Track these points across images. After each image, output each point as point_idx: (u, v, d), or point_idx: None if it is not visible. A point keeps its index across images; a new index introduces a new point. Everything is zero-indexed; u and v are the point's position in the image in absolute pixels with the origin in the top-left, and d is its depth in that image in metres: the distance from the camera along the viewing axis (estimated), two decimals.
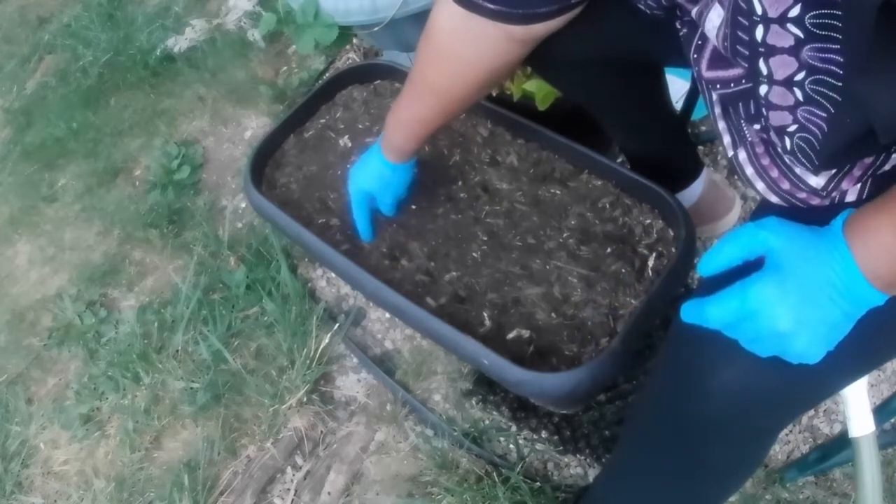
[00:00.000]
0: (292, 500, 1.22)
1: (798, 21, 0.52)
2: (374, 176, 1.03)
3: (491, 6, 0.75)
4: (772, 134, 0.64)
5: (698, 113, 1.33)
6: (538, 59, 0.98)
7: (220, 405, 1.31)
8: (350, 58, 1.81)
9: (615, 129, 1.14)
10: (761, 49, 0.57)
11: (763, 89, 0.60)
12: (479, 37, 0.80)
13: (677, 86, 1.24)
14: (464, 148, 1.21)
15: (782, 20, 0.53)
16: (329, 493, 1.19)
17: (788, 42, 0.54)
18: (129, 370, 1.38)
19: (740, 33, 0.58)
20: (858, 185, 0.62)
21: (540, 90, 1.19)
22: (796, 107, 0.58)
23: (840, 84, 0.53)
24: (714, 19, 0.62)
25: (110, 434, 1.36)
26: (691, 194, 1.21)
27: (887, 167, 0.60)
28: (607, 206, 1.10)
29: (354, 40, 1.82)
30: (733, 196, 1.28)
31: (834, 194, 0.63)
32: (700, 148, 1.43)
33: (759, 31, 0.56)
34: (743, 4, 0.56)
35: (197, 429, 1.31)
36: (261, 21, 1.85)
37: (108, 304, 1.54)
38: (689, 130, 1.42)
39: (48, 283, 1.62)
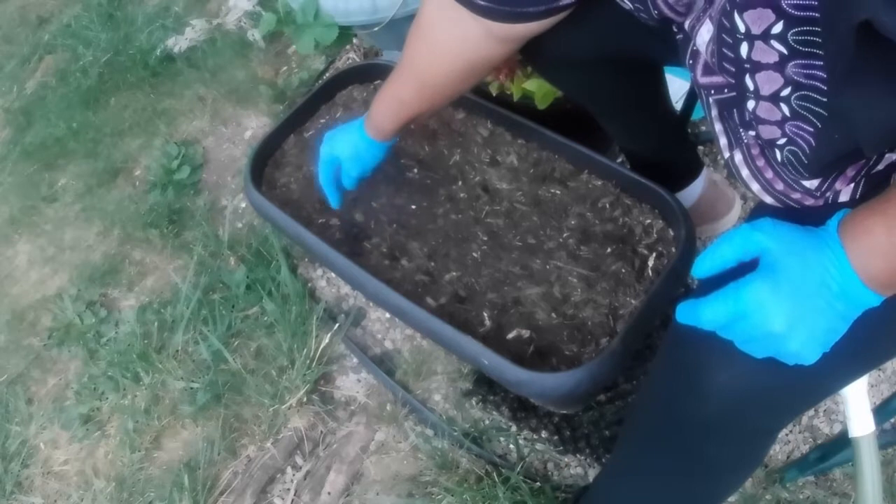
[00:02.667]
0: (292, 500, 1.22)
1: (781, 38, 0.53)
2: (348, 144, 1.03)
3: (480, 2, 0.75)
4: (763, 144, 0.64)
5: (698, 113, 1.33)
6: (538, 58, 0.98)
7: (220, 405, 1.31)
8: (350, 58, 1.81)
9: (615, 129, 1.14)
10: (747, 65, 0.57)
11: (751, 104, 0.61)
12: (460, 28, 0.80)
13: (677, 86, 1.24)
14: (464, 148, 1.21)
15: (766, 37, 0.54)
16: (329, 493, 1.19)
17: (773, 58, 0.55)
18: (129, 370, 1.38)
19: (726, 50, 0.59)
20: (852, 185, 0.62)
21: (539, 89, 1.19)
22: (784, 121, 0.59)
23: (825, 99, 0.53)
24: (704, 34, 0.63)
25: (110, 434, 1.36)
26: (691, 194, 1.22)
27: (881, 167, 0.61)
28: (607, 206, 1.10)
29: (354, 40, 1.81)
30: (733, 196, 1.28)
31: (828, 194, 0.64)
32: (700, 148, 1.43)
33: (744, 48, 0.57)
34: (727, 23, 0.57)
35: (197, 429, 1.31)
36: (261, 21, 1.85)
37: (108, 304, 1.54)
38: (689, 130, 1.42)
39: (48, 283, 1.62)
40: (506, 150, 1.20)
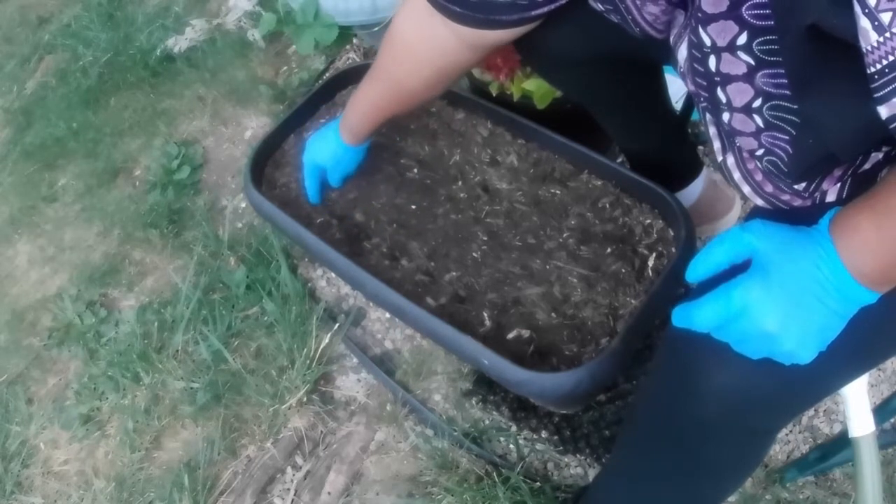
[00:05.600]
0: (292, 500, 1.22)
1: (747, 48, 0.54)
2: (327, 153, 1.09)
3: (455, 8, 0.77)
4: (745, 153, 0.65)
5: (698, 113, 1.33)
6: (537, 58, 0.98)
7: (220, 405, 1.31)
8: (350, 58, 1.81)
9: (615, 129, 1.14)
10: (717, 78, 0.59)
11: (726, 116, 0.61)
12: (432, 34, 0.82)
13: (677, 86, 1.24)
14: (464, 148, 1.21)
15: (732, 48, 0.55)
16: (329, 493, 1.19)
17: (741, 70, 0.56)
18: (129, 370, 1.38)
19: (696, 65, 0.61)
20: (838, 185, 0.62)
21: (539, 89, 1.19)
22: (759, 132, 0.59)
23: (796, 107, 0.54)
24: (683, 51, 0.64)
25: (110, 434, 1.35)
26: (691, 194, 1.22)
27: (867, 166, 0.60)
28: (607, 206, 1.10)
29: (354, 40, 1.81)
30: (733, 196, 1.28)
31: (816, 194, 0.64)
32: (700, 148, 1.43)
33: (713, 61, 0.58)
34: (694, 38, 0.58)
35: (197, 429, 1.31)
36: (261, 21, 1.85)
37: (108, 304, 1.54)
38: (689, 130, 1.42)
39: (48, 283, 1.62)
40: (506, 150, 1.20)
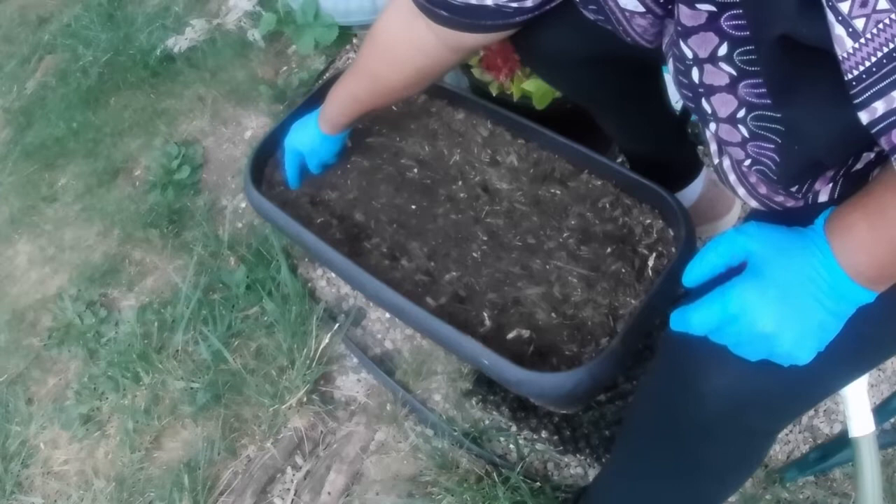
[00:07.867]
0: (292, 500, 1.22)
1: (728, 59, 0.54)
2: (306, 139, 1.12)
3: (443, 13, 0.78)
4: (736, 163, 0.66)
5: None
6: (537, 59, 0.98)
7: (220, 405, 1.31)
8: (350, 58, 1.81)
9: (614, 129, 1.14)
10: (701, 90, 0.59)
11: (712, 127, 0.62)
12: (414, 34, 0.84)
13: None
14: (464, 148, 1.21)
15: (713, 60, 0.55)
16: (329, 493, 1.19)
17: (724, 80, 0.56)
18: (129, 370, 1.38)
19: (681, 77, 0.61)
20: (831, 185, 0.62)
21: (538, 90, 1.19)
22: (745, 143, 0.60)
23: (779, 115, 0.54)
24: (670, 63, 0.64)
25: (110, 434, 1.36)
26: (691, 194, 1.22)
27: (859, 166, 0.60)
28: (607, 206, 1.10)
29: (354, 40, 1.81)
30: (733, 196, 1.27)
31: (808, 195, 0.64)
32: (699, 148, 1.43)
33: (696, 73, 0.59)
34: (676, 51, 0.59)
35: (197, 429, 1.31)
36: (261, 21, 1.85)
37: (108, 304, 1.54)
38: (689, 130, 1.42)
39: (48, 283, 1.62)
40: (506, 150, 1.20)
